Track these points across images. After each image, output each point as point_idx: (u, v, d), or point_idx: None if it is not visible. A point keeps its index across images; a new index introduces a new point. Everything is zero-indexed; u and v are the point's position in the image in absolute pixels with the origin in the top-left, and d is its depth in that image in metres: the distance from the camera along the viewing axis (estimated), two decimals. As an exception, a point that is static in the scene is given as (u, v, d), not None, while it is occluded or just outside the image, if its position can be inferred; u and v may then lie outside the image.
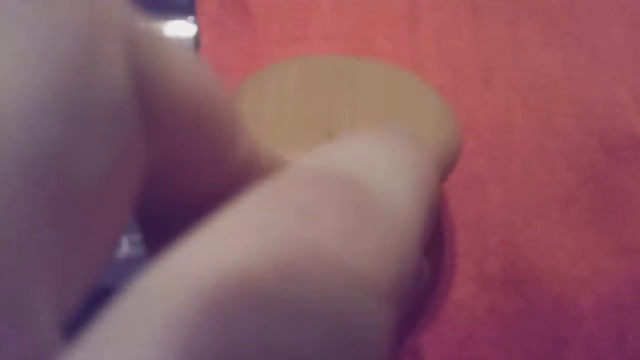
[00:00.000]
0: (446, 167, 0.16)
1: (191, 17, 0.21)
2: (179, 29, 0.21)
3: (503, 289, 0.19)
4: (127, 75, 0.08)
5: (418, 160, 0.10)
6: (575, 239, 0.20)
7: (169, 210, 0.10)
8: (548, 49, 0.22)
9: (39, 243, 0.07)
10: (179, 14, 0.21)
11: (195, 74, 0.09)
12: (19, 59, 0.07)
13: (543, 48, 0.22)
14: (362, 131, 0.10)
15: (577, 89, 0.22)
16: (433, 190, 0.10)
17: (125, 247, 0.18)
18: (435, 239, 0.20)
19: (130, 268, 0.16)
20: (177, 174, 0.10)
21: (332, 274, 0.07)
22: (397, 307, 0.08)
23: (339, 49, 0.22)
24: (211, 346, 0.06)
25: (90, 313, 0.07)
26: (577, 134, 0.21)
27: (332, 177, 0.08)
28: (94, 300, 0.08)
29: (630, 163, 0.21)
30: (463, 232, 0.20)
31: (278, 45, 0.22)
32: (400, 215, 0.09)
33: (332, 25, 0.22)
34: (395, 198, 0.09)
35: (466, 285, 0.20)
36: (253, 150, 0.11)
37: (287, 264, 0.07)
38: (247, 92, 0.17)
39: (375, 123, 0.16)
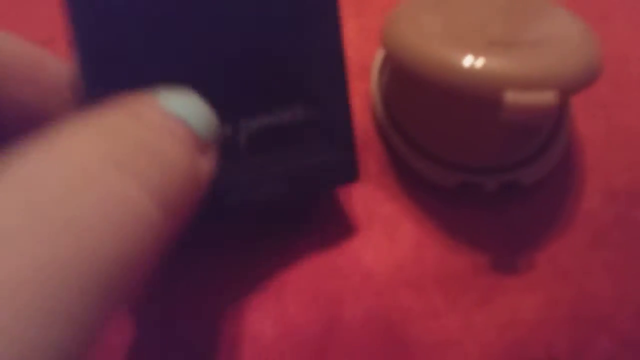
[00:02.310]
0: (584, 84, 0.18)
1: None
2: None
3: (629, 200, 0.22)
4: None
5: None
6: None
7: None
8: None
9: None
10: None
11: None
12: None
13: None
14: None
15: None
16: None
17: None
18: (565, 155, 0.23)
19: None
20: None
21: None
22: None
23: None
24: None
25: None
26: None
27: None
28: None
29: None
30: (591, 149, 0.23)
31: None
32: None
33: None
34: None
35: (595, 196, 0.22)
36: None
37: None
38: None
39: (528, 39, 0.19)
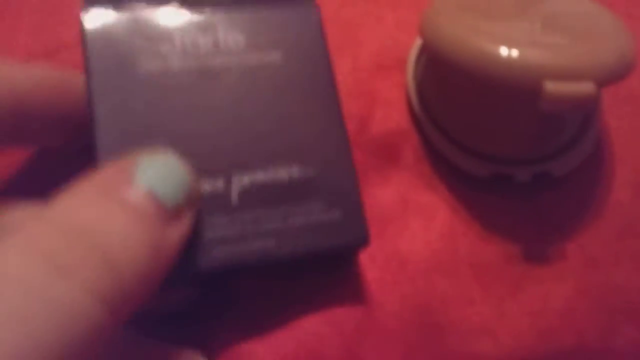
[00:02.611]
0: (619, 76, 0.18)
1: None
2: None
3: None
4: None
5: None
6: None
7: None
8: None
9: None
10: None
11: None
12: None
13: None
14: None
15: None
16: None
17: None
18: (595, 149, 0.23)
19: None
20: None
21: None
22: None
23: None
24: None
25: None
26: None
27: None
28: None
29: None
30: (620, 141, 0.23)
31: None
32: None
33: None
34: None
35: (624, 188, 0.22)
36: None
37: None
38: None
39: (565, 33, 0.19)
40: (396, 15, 0.25)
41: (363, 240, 0.17)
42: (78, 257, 0.12)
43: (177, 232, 0.14)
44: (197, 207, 0.15)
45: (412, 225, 0.21)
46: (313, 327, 0.19)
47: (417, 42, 0.24)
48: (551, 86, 0.17)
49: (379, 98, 0.23)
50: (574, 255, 0.21)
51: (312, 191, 0.17)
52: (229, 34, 0.18)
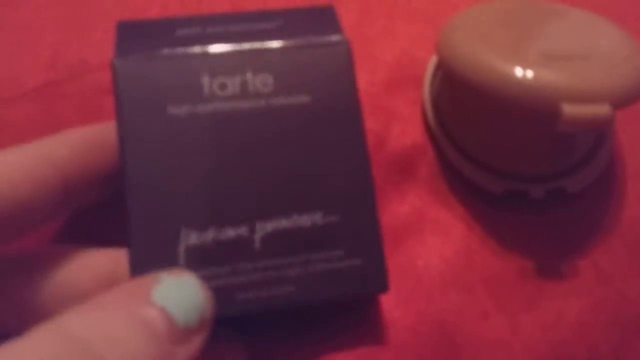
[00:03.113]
0: (635, 98, 0.18)
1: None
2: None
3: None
4: None
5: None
6: None
7: None
8: None
9: None
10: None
11: None
12: None
13: None
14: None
15: None
16: None
17: None
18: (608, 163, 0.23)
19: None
20: None
21: None
22: None
23: None
24: None
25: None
26: None
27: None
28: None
29: None
30: (633, 158, 0.24)
31: None
32: None
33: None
34: None
35: (636, 204, 0.23)
36: None
37: None
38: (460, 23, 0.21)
39: (578, 52, 0.19)
40: (412, 32, 0.25)
41: (382, 288, 0.18)
42: None
43: (186, 352, 0.14)
44: (209, 330, 0.15)
45: (428, 240, 0.22)
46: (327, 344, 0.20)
47: (433, 59, 0.24)
48: (569, 109, 0.17)
49: (395, 114, 0.24)
50: (587, 270, 0.22)
51: (334, 238, 0.17)
52: (258, 75, 0.18)
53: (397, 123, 0.24)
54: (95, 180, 0.18)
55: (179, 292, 0.15)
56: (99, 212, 0.20)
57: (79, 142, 0.18)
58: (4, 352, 0.12)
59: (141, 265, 0.16)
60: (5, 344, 0.12)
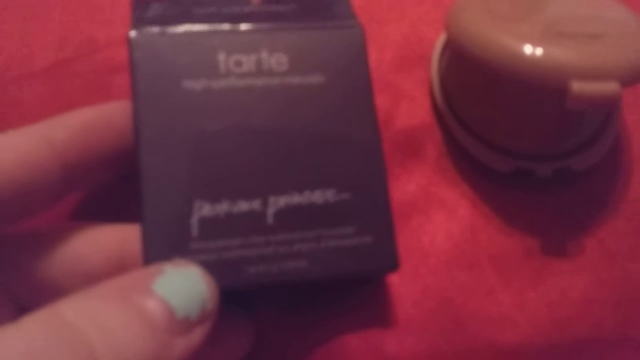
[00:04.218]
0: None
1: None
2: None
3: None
4: None
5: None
6: None
7: None
8: None
9: None
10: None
11: None
12: None
13: None
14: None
15: None
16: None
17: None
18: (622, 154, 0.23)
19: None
20: None
21: None
22: None
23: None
24: None
25: None
26: None
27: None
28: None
29: None
30: (638, 137, 0.23)
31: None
32: None
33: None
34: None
35: None
36: None
37: None
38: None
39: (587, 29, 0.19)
40: (420, 11, 0.25)
41: (393, 266, 0.18)
42: (65, 354, 0.12)
43: (185, 344, 0.14)
44: (212, 322, 0.15)
45: (434, 218, 0.22)
46: (334, 322, 0.20)
47: (441, 38, 0.24)
48: (577, 86, 0.18)
49: (403, 93, 0.24)
50: (593, 248, 0.22)
51: (345, 215, 0.17)
52: (273, 54, 0.18)
53: (404, 101, 0.24)
54: (99, 162, 0.18)
55: (182, 284, 0.15)
56: (108, 189, 0.20)
57: (80, 125, 0.17)
58: None
59: (154, 235, 0.16)
60: None
